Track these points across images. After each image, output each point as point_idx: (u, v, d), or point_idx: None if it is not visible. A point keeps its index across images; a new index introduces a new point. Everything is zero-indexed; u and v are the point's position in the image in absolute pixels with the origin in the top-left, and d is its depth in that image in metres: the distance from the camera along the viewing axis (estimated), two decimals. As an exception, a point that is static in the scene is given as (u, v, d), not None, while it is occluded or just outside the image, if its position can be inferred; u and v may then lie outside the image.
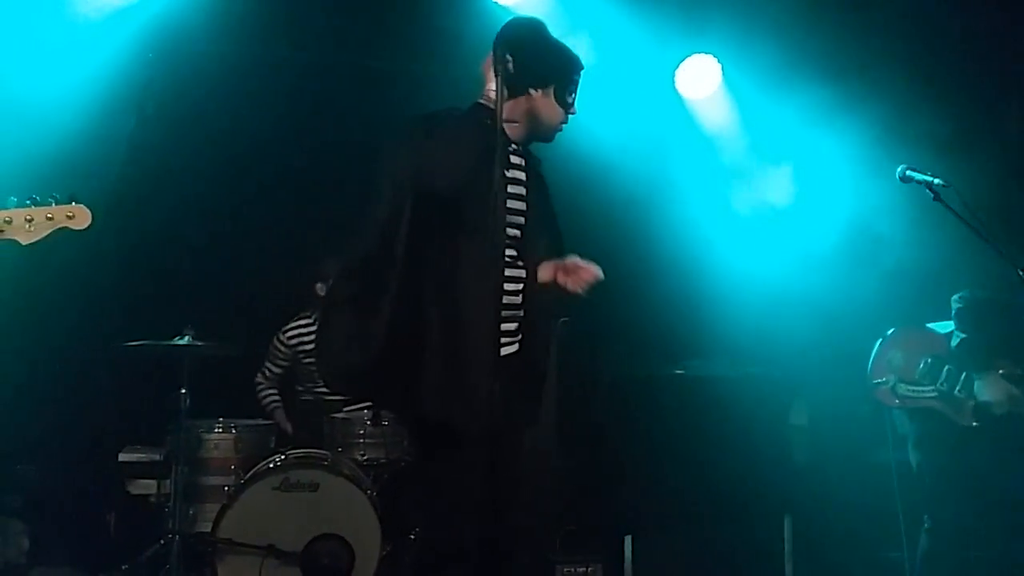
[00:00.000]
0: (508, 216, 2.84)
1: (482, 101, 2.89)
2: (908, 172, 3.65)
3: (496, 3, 5.10)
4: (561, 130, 2.96)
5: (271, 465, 4.20)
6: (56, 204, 2.91)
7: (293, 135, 5.35)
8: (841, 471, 4.76)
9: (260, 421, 4.62)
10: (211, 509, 4.22)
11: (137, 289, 4.85)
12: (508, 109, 2.79)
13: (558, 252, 2.95)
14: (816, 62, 5.03)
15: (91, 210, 2.94)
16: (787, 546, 4.57)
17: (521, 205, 2.91)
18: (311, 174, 5.41)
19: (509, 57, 2.70)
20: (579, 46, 3.02)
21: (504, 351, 2.83)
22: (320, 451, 4.38)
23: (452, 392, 2.71)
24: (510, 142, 2.88)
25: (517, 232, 2.90)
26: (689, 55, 5.41)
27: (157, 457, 4.56)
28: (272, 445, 4.53)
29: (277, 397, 5.04)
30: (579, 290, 2.82)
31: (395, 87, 5.20)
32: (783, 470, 4.71)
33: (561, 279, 2.85)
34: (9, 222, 2.86)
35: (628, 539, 4.42)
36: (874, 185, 4.50)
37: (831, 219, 4.96)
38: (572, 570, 4.35)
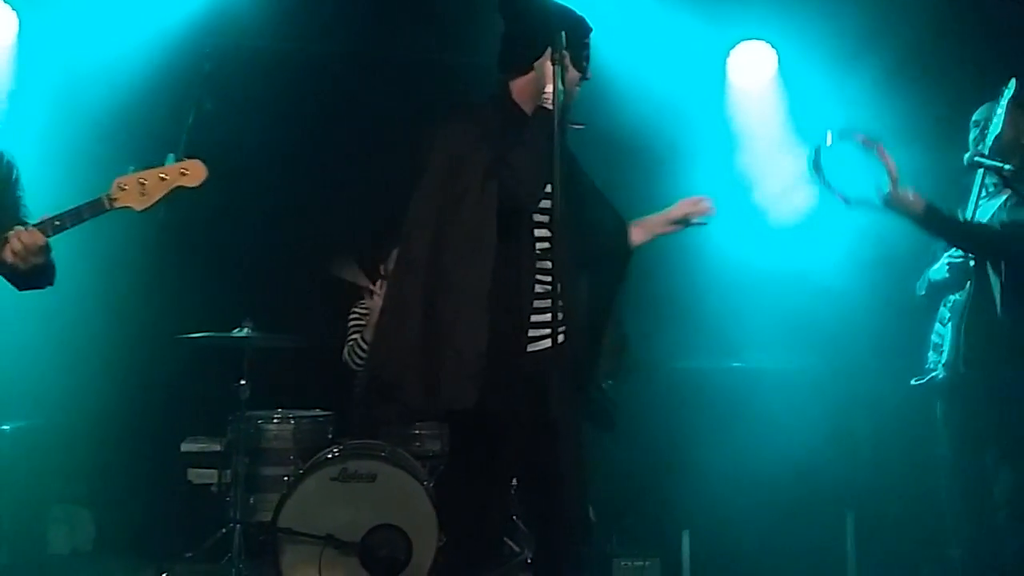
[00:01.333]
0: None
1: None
2: (977, 158, 3.56)
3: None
4: (568, 96, 2.84)
5: (329, 455, 4.23)
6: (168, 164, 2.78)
7: (349, 128, 5.39)
8: (905, 465, 4.65)
9: (318, 412, 4.66)
10: (271, 499, 4.26)
11: (197, 281, 4.92)
12: (518, 87, 2.83)
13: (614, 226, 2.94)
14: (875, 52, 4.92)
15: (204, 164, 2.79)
16: (849, 543, 4.49)
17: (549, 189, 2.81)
18: (366, 166, 5.44)
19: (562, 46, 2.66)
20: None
21: (539, 345, 2.78)
22: (377, 442, 4.40)
23: (478, 384, 2.66)
24: (525, 119, 2.83)
25: (546, 218, 2.81)
26: (742, 41, 5.32)
27: (217, 447, 4.63)
28: (330, 436, 4.57)
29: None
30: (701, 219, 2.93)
31: (456, 79, 5.20)
32: (846, 465, 4.63)
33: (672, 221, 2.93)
34: (124, 188, 2.75)
35: (686, 534, 4.38)
36: (932, 176, 4.39)
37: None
38: (629, 564, 4.33)
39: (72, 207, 2.74)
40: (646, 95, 4.79)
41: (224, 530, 4.32)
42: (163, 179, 2.77)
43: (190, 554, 4.38)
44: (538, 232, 2.80)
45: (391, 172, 5.36)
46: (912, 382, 3.72)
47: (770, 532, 4.40)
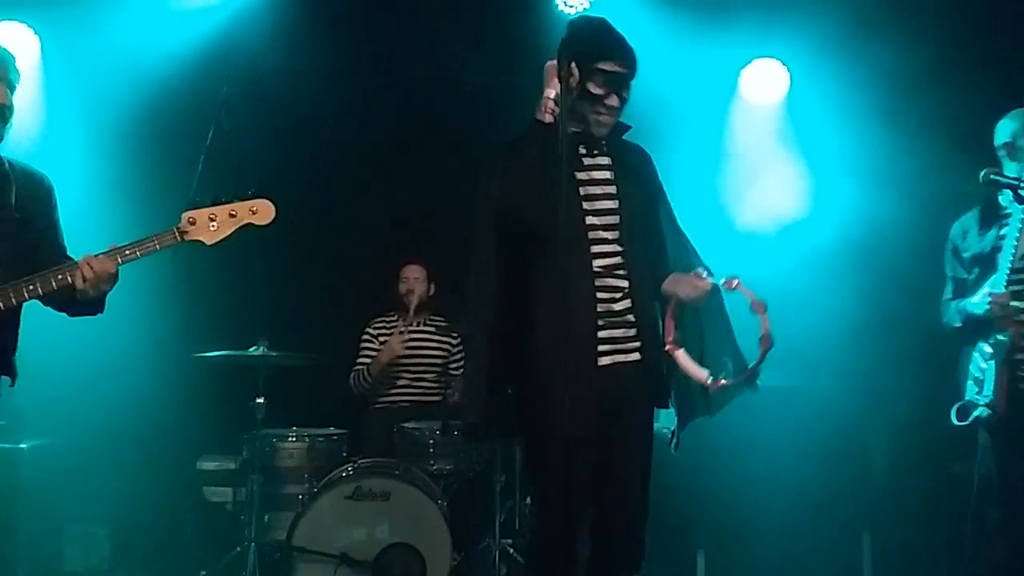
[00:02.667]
0: (591, 220, 2.80)
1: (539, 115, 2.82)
2: (993, 176, 3.56)
3: (564, 12, 5.13)
4: (608, 125, 2.85)
5: (343, 474, 4.24)
6: (239, 200, 2.82)
7: (366, 149, 5.44)
8: (921, 484, 4.61)
9: (333, 430, 4.67)
10: (286, 517, 4.26)
11: (214, 300, 4.95)
12: (569, 110, 2.76)
13: (658, 259, 2.91)
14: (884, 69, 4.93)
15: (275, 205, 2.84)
16: (866, 562, 4.45)
17: (609, 204, 2.84)
18: (383, 186, 5.49)
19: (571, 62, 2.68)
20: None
21: (608, 360, 2.79)
22: (391, 460, 4.40)
23: (543, 406, 2.72)
24: (579, 143, 2.83)
25: (610, 235, 2.83)
26: (755, 58, 5.35)
27: (233, 466, 4.64)
28: (344, 454, 4.58)
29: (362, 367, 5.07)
30: (690, 298, 2.81)
31: (473, 97, 5.25)
32: (861, 484, 4.60)
33: (669, 288, 2.85)
34: (193, 223, 2.79)
35: (701, 552, 4.35)
36: (950, 195, 4.38)
37: (908, 230, 4.84)
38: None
39: (142, 238, 2.77)
40: (659, 109, 4.82)
41: (239, 548, 4.32)
42: (233, 216, 2.83)
43: (205, 572, 4.37)
44: (598, 248, 2.81)
45: (407, 191, 5.44)
46: (955, 421, 3.66)
47: (785, 551, 4.37)
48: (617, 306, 2.82)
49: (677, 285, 2.86)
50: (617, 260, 2.83)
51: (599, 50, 2.80)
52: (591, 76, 2.77)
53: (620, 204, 2.85)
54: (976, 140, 4.42)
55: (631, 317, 2.83)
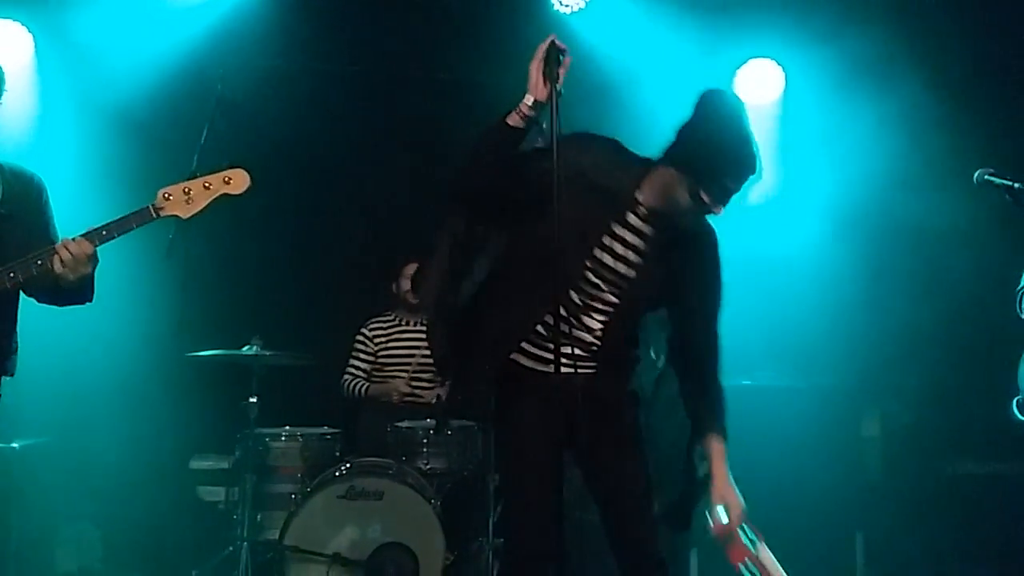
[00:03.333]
0: (601, 270, 2.70)
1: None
2: (987, 176, 3.56)
3: (560, 12, 5.13)
4: (694, 223, 2.70)
5: (336, 473, 4.24)
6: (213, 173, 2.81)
7: (360, 147, 5.43)
8: (916, 485, 4.62)
9: (326, 430, 4.66)
10: (278, 516, 4.26)
11: (207, 299, 4.94)
12: (652, 178, 2.68)
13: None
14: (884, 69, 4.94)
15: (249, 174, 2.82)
16: (859, 562, 4.46)
17: (624, 269, 2.72)
18: (377, 185, 5.48)
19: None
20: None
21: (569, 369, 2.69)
22: (385, 460, 4.40)
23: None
24: (638, 204, 2.70)
25: (607, 290, 2.72)
26: (750, 58, 5.36)
27: (226, 465, 4.63)
28: (337, 454, 4.57)
29: (367, 382, 5.07)
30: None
31: (470, 96, 5.24)
32: (855, 484, 4.60)
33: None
34: (169, 198, 2.78)
35: (694, 552, 4.35)
36: (948, 193, 4.39)
37: (903, 228, 4.85)
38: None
39: (118, 217, 2.76)
40: (653, 110, 4.83)
41: (231, 548, 4.31)
42: (207, 187, 2.81)
43: (197, 572, 4.37)
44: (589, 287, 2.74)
45: (402, 190, 5.44)
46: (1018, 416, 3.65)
47: (779, 551, 4.35)
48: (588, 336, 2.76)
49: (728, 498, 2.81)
50: (603, 308, 2.74)
51: (726, 169, 2.58)
52: (708, 188, 2.57)
53: (637, 273, 2.73)
54: (973, 138, 4.44)
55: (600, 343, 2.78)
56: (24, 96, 4.92)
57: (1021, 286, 3.76)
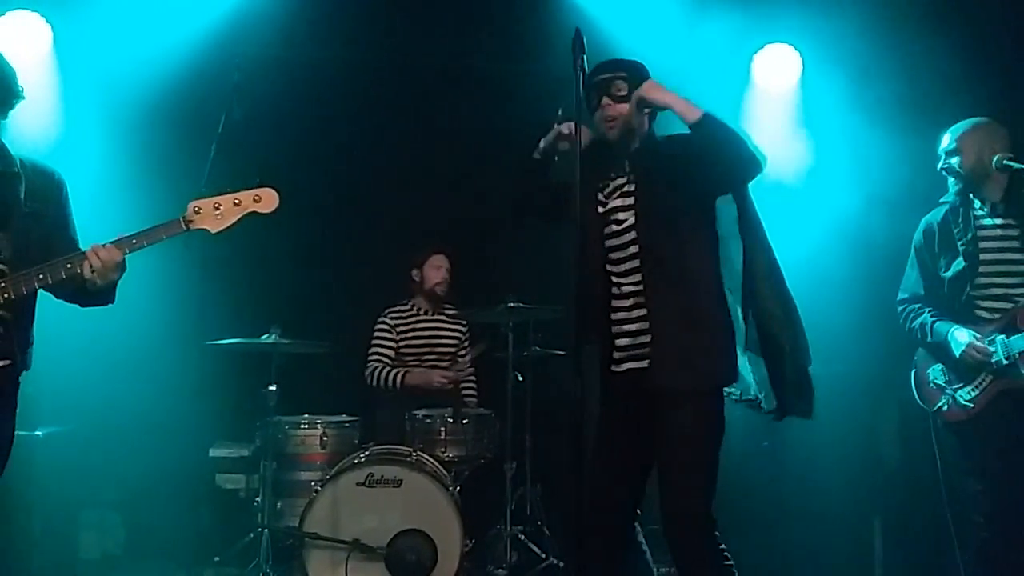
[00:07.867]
0: (607, 228, 2.96)
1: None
2: (1005, 161, 3.54)
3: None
4: (609, 129, 2.98)
5: (355, 461, 4.27)
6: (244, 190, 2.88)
7: (378, 135, 5.44)
8: (933, 470, 4.60)
9: (345, 417, 4.69)
10: (298, 503, 4.29)
11: (226, 288, 4.97)
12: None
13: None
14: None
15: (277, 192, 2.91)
16: (877, 548, 4.45)
17: (624, 216, 2.96)
18: (397, 172, 5.49)
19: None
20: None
21: (622, 367, 2.95)
22: (403, 447, 4.42)
23: None
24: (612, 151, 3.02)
25: (619, 242, 2.96)
26: (768, 43, 5.33)
27: (246, 453, 4.68)
28: (357, 441, 4.60)
29: (403, 369, 5.05)
30: None
31: (488, 84, 5.24)
32: (873, 469, 4.59)
33: None
34: (199, 212, 2.84)
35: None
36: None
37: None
38: (655, 569, 4.30)
39: (148, 227, 2.81)
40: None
41: (252, 535, 4.35)
42: (237, 204, 2.87)
43: (218, 558, 4.42)
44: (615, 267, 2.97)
45: (420, 180, 5.44)
46: None
47: (796, 538, 4.37)
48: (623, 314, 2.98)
49: None
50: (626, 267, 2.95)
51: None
52: (590, 94, 2.95)
53: (636, 216, 2.94)
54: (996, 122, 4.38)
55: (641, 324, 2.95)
56: (43, 86, 4.95)
57: (900, 298, 3.85)
